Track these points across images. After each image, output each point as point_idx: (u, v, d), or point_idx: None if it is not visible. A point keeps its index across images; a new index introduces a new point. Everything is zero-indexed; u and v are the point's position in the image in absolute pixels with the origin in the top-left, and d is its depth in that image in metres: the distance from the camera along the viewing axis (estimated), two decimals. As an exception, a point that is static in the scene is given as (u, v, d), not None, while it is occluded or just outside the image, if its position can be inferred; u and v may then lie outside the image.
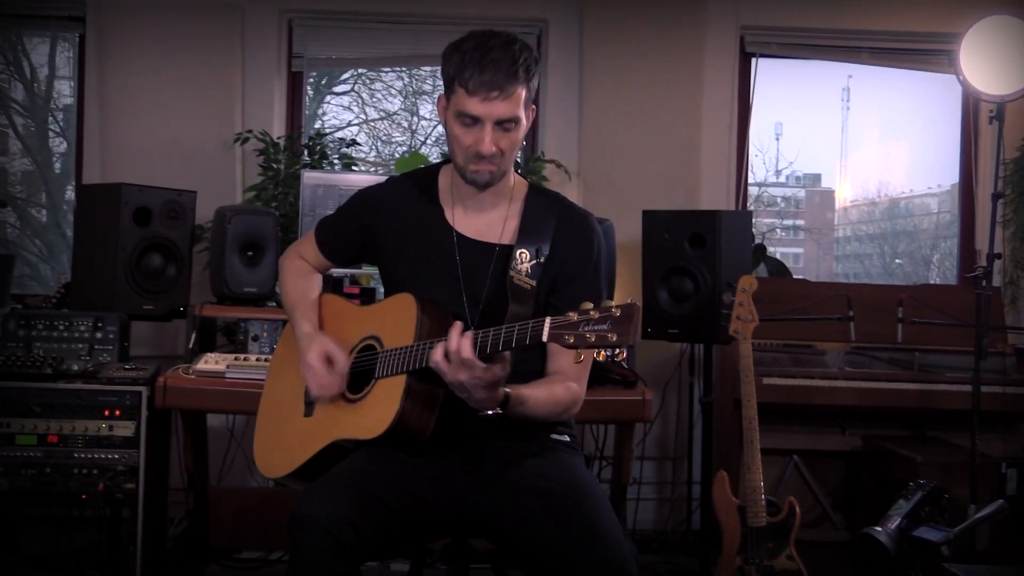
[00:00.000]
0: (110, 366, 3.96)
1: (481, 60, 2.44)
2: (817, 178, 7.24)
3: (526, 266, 2.58)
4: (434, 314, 2.54)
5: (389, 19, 5.50)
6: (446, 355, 2.29)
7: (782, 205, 7.26)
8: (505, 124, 2.49)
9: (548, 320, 2.16)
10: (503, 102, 2.46)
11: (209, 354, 4.00)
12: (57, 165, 6.31)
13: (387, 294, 2.75)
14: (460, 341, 2.26)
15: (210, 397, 3.81)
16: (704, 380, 4.58)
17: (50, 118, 6.36)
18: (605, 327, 2.08)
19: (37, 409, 3.81)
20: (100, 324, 4.05)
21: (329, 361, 2.63)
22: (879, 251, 7.28)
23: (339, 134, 5.67)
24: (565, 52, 5.41)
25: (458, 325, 2.31)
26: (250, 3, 5.33)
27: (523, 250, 2.59)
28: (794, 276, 5.72)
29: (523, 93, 2.50)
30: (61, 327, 4.03)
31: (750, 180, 5.97)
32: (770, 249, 6.07)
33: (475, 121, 2.49)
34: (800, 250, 7.61)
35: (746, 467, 3.80)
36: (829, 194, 6.99)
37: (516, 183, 2.72)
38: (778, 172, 6.69)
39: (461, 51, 2.49)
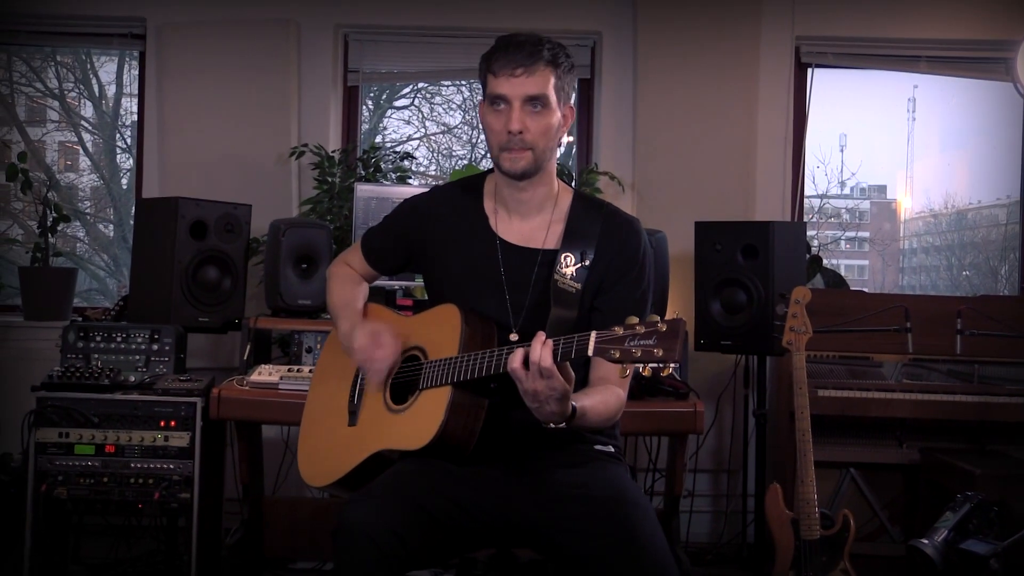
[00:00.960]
0: (166, 377, 4.02)
1: (507, 46, 2.54)
2: (882, 189, 7.18)
3: (571, 270, 2.58)
4: (478, 325, 2.55)
5: (443, 33, 5.53)
6: (525, 363, 2.27)
7: (846, 217, 7.20)
8: (533, 102, 2.53)
9: (594, 334, 2.17)
10: (528, 78, 2.51)
11: (263, 366, 4.04)
12: (124, 181, 6.42)
13: (431, 302, 2.76)
14: (542, 351, 2.25)
15: (264, 408, 3.86)
16: (758, 392, 4.54)
17: (117, 135, 6.48)
18: (651, 342, 2.08)
19: (95, 419, 3.88)
20: (156, 336, 4.13)
21: (377, 339, 2.65)
22: (946, 263, 7.19)
23: (399, 148, 5.71)
24: (619, 64, 5.41)
25: (541, 335, 2.28)
26: (306, 19, 5.38)
27: (568, 254, 2.60)
28: (859, 288, 5.65)
29: (550, 76, 2.54)
30: (119, 339, 4.11)
31: (812, 191, 5.93)
32: (834, 261, 6.02)
33: (504, 102, 2.53)
34: (865, 262, 7.54)
35: (800, 480, 3.76)
36: (894, 205, 6.92)
37: (561, 190, 2.73)
38: (842, 183, 6.63)
39: (492, 48, 2.58)
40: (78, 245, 6.68)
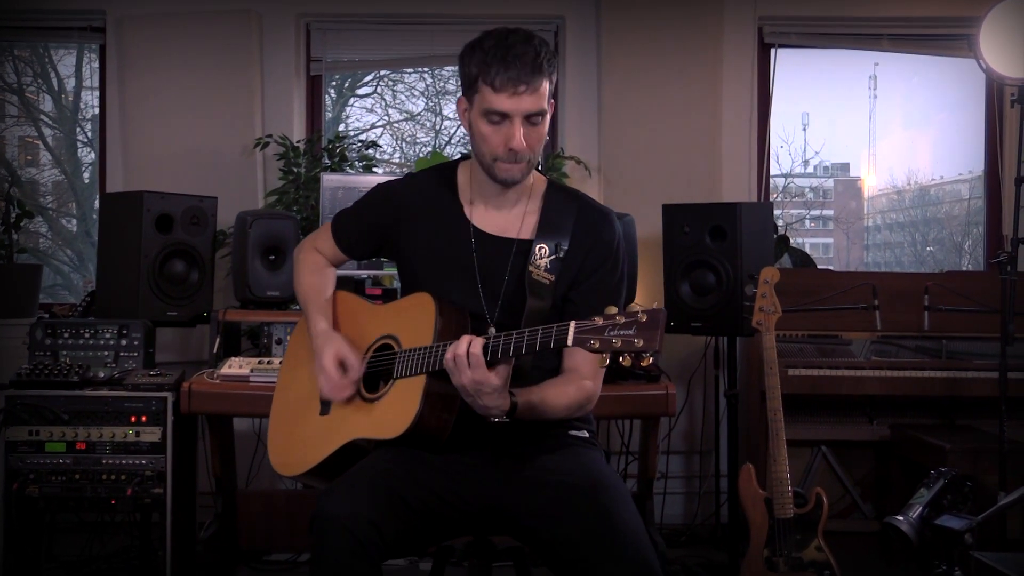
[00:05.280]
0: (135, 372, 3.99)
1: (504, 57, 2.44)
2: (845, 167, 7.19)
3: (545, 261, 2.57)
4: (452, 314, 2.54)
5: (405, 20, 5.52)
6: (455, 357, 2.30)
7: (810, 196, 7.22)
8: (532, 118, 2.49)
9: (573, 324, 2.16)
10: (530, 96, 2.45)
11: (233, 358, 4.02)
12: (86, 175, 6.36)
13: (404, 290, 2.75)
14: (470, 344, 2.28)
15: (235, 401, 3.84)
16: (728, 373, 4.56)
17: (78, 129, 6.42)
18: (631, 332, 2.07)
19: (65, 416, 3.85)
20: (125, 331, 4.10)
21: (343, 366, 2.64)
22: (910, 239, 7.23)
23: (362, 136, 5.69)
24: (583, 48, 5.41)
25: (471, 336, 2.32)
26: (267, 9, 5.35)
27: (542, 245, 2.59)
28: (824, 266, 5.68)
29: (547, 86, 2.49)
30: (87, 335, 4.08)
31: (776, 171, 5.95)
32: (799, 240, 6.04)
33: (503, 118, 2.48)
34: (830, 240, 7.56)
35: (772, 459, 3.78)
36: (858, 183, 6.95)
37: (535, 180, 2.71)
38: (805, 162, 6.64)
39: (482, 49, 2.48)
40: (41, 241, 6.62)
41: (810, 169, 6.83)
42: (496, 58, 2.45)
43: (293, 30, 5.41)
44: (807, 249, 5.93)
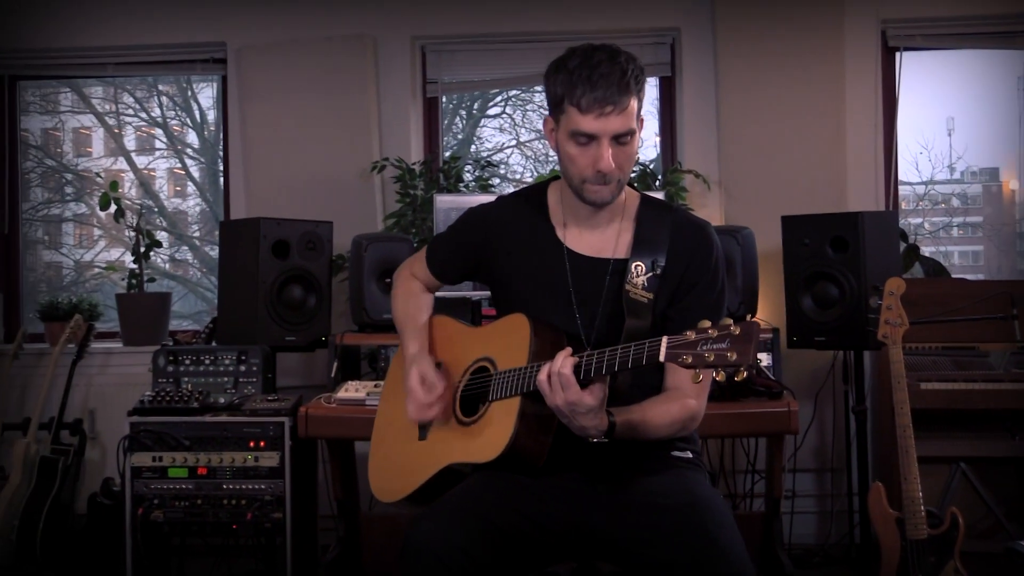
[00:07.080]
0: (254, 398, 4.06)
1: (590, 76, 2.38)
2: (995, 172, 6.95)
3: (642, 279, 2.51)
4: (548, 335, 2.49)
5: (520, 39, 5.50)
6: (548, 377, 2.26)
7: (955, 202, 6.99)
8: (621, 138, 2.43)
9: (665, 339, 2.12)
10: (618, 116, 2.40)
11: (350, 382, 4.06)
12: (226, 204, 6.56)
13: (499, 314, 2.71)
14: (562, 362, 2.24)
15: (351, 425, 3.86)
16: (856, 388, 4.41)
17: (218, 159, 6.62)
18: (724, 346, 2.02)
19: (186, 442, 3.95)
20: (244, 357, 4.18)
21: (426, 384, 2.62)
22: (1068, 245, 6.93)
23: (495, 156, 5.70)
24: (699, 60, 5.31)
25: (568, 349, 2.28)
26: (382, 33, 5.38)
27: (638, 263, 2.53)
28: (975, 276, 5.47)
29: (635, 104, 2.43)
30: (207, 361, 4.18)
31: (916, 178, 5.76)
32: (944, 248, 5.82)
33: (590, 139, 2.43)
34: (979, 247, 7.31)
35: (903, 477, 3.63)
36: (1007, 187, 6.70)
37: (627, 195, 2.65)
38: (950, 168, 6.44)
39: (567, 69, 2.42)
40: (189, 270, 6.84)
41: (956, 175, 6.62)
42: (582, 78, 2.39)
43: (408, 53, 5.43)
44: (955, 258, 5.73)
